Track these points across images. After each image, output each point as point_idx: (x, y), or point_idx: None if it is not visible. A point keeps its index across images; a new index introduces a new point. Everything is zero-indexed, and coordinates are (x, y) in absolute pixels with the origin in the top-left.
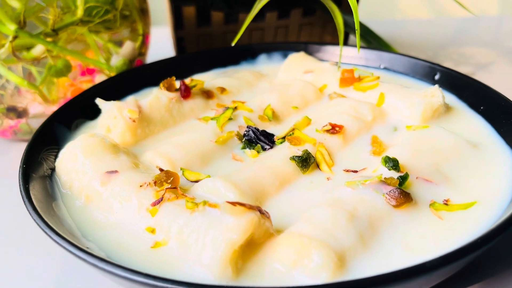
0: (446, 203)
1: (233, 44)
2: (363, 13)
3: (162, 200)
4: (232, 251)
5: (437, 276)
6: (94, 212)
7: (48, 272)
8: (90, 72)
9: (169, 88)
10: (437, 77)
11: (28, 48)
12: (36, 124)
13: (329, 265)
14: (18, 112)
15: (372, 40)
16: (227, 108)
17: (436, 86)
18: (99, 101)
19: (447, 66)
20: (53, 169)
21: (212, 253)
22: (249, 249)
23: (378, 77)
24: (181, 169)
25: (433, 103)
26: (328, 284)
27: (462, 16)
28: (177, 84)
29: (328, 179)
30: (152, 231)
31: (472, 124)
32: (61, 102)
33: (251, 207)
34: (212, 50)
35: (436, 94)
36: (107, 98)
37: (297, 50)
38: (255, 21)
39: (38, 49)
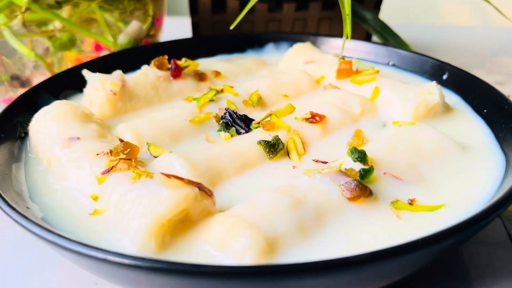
0: (411, 203)
1: (231, 27)
2: (400, 16)
3: (112, 169)
4: (158, 224)
5: (367, 276)
6: (51, 177)
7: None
8: (98, 49)
9: (160, 67)
10: (445, 76)
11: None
12: None
13: (254, 249)
14: (21, 81)
15: (389, 37)
16: (212, 89)
17: (434, 83)
18: (85, 72)
19: (478, 73)
20: (27, 133)
21: (138, 224)
22: (184, 225)
23: (377, 71)
24: (147, 144)
25: (428, 100)
26: (225, 266)
27: (507, 25)
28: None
29: (294, 167)
30: (95, 198)
31: (471, 127)
32: None
33: (189, 182)
34: (219, 35)
35: (433, 92)
36: (102, 72)
37: (305, 41)
38: (272, 12)
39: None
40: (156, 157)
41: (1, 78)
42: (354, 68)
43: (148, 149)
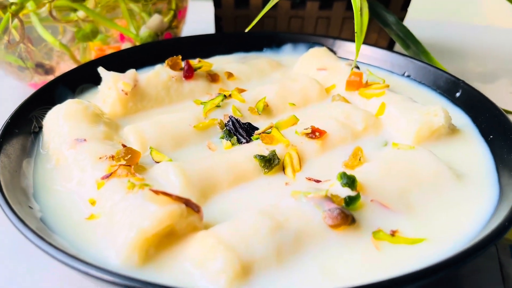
0: (392, 234)
1: (246, 30)
2: (437, 14)
3: (111, 175)
4: (141, 238)
5: None
6: (57, 176)
7: None
8: (122, 39)
9: (173, 67)
10: (458, 94)
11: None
12: None
13: (228, 272)
14: (45, 69)
15: (411, 44)
16: (219, 94)
17: (440, 106)
18: (101, 70)
19: (503, 82)
20: (41, 127)
21: (123, 237)
22: (169, 239)
23: (387, 86)
24: (150, 148)
25: (432, 122)
26: None
27: None
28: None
29: (286, 184)
30: (93, 203)
31: (473, 153)
32: None
33: (177, 199)
34: (236, 33)
35: (439, 114)
36: (120, 67)
37: (323, 44)
38: (295, 9)
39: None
40: (157, 162)
41: (27, 65)
42: (364, 80)
43: (150, 153)
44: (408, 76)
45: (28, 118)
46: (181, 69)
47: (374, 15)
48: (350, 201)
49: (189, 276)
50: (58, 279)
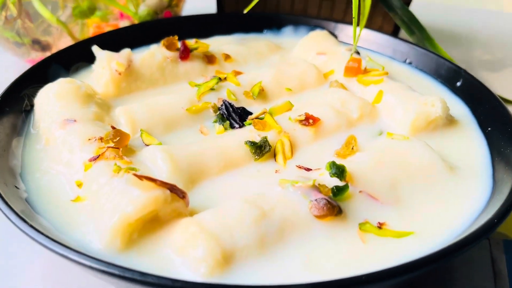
0: (380, 226)
1: (245, 11)
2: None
3: (98, 157)
4: (124, 223)
5: None
6: (45, 156)
7: None
8: (122, 16)
9: (169, 47)
10: (459, 83)
11: None
12: None
13: (209, 260)
14: (42, 46)
15: (415, 30)
16: (214, 77)
17: (439, 96)
18: (95, 49)
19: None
20: (33, 106)
21: (105, 222)
22: (153, 224)
23: (386, 73)
24: (140, 130)
25: (429, 113)
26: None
27: None
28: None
29: (276, 171)
30: (80, 185)
31: (469, 145)
32: None
33: (162, 184)
34: (236, 14)
35: (436, 105)
36: (116, 46)
37: (325, 27)
38: None
39: None
40: (147, 145)
41: (23, 41)
42: (363, 66)
43: (140, 136)
44: (410, 63)
45: (20, 96)
46: (177, 49)
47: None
48: (338, 191)
49: (170, 263)
50: (45, 263)
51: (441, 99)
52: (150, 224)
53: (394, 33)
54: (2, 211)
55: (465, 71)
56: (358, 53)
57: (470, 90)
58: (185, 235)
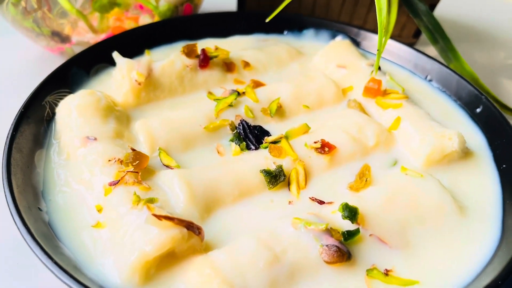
0: (386, 273)
1: (267, 20)
2: None
3: (118, 182)
4: (143, 261)
5: None
6: (67, 172)
7: None
8: (141, 8)
9: (189, 54)
10: (478, 110)
11: None
12: (78, 50)
13: None
14: (61, 37)
15: (439, 39)
16: (234, 91)
17: (457, 131)
18: (115, 55)
19: None
20: (54, 114)
21: (126, 256)
22: (169, 259)
23: (406, 97)
24: (159, 149)
25: (445, 146)
26: None
27: None
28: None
29: (290, 202)
30: (100, 210)
31: (482, 182)
32: (107, 34)
33: (179, 222)
34: (258, 13)
35: (453, 139)
36: (135, 45)
37: (347, 33)
38: None
39: None
40: (165, 165)
41: (43, 32)
42: (383, 87)
43: (159, 155)
44: (430, 80)
45: (41, 104)
46: (197, 56)
47: (404, 2)
48: (349, 236)
49: None
50: None
51: (458, 133)
52: (167, 259)
53: (417, 34)
54: (28, 245)
55: (486, 97)
56: (379, 68)
57: (489, 119)
58: (199, 276)
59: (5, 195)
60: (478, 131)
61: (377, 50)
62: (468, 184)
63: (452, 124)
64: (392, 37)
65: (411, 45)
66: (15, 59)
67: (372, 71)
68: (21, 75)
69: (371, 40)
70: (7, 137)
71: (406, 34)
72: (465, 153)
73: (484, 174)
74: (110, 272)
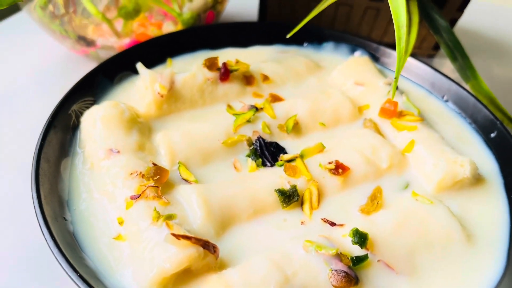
0: None
1: (288, 36)
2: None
3: (139, 196)
4: (161, 277)
5: None
6: (91, 182)
7: None
8: (165, 13)
9: (210, 67)
10: (493, 135)
11: None
12: (103, 54)
13: None
14: (87, 41)
15: (459, 57)
16: (252, 107)
17: (470, 158)
18: (139, 66)
19: None
20: (80, 123)
21: (145, 272)
22: (185, 275)
23: (421, 119)
24: (179, 163)
25: (457, 173)
26: None
27: None
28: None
29: (302, 223)
30: (121, 222)
31: (491, 211)
32: (130, 38)
33: (196, 242)
34: (278, 23)
35: (465, 166)
36: (158, 54)
37: (366, 48)
38: None
39: None
40: (183, 179)
41: (69, 35)
42: (400, 107)
43: (178, 168)
44: (447, 101)
45: (68, 113)
46: (218, 69)
47: (424, 17)
48: (358, 262)
49: None
50: None
51: (471, 161)
52: (183, 275)
53: (436, 47)
54: (55, 257)
55: (501, 123)
56: (396, 87)
57: (503, 145)
58: None
59: (34, 206)
60: (491, 157)
61: (395, 77)
62: (477, 211)
63: (465, 148)
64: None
65: (430, 56)
66: (41, 57)
67: (389, 91)
68: (46, 74)
69: (389, 57)
70: (36, 147)
71: (426, 46)
72: (477, 179)
73: (493, 202)
74: (129, 285)
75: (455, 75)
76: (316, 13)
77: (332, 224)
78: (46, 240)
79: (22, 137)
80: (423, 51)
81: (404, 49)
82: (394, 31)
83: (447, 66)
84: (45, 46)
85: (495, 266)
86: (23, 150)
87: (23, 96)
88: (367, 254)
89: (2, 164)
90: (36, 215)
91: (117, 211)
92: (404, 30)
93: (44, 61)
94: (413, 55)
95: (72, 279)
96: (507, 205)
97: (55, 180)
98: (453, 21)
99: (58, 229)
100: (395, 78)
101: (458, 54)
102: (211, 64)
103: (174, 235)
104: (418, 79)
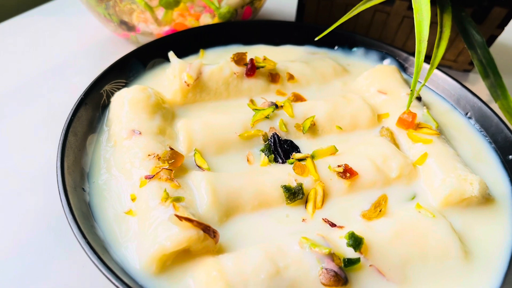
0: None
1: (316, 39)
2: None
3: (153, 177)
4: (161, 254)
5: None
6: (112, 158)
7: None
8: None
9: (238, 62)
10: (511, 156)
11: None
12: (142, 39)
13: None
14: (128, 26)
15: (491, 74)
16: (273, 104)
17: (479, 178)
18: (171, 55)
19: None
20: (110, 102)
21: (147, 247)
22: (185, 255)
23: (438, 134)
24: (195, 150)
25: (465, 191)
26: None
27: None
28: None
29: (303, 220)
30: (134, 199)
31: (495, 232)
32: (170, 27)
33: (197, 225)
34: (311, 26)
35: (474, 184)
36: (195, 44)
37: (396, 57)
38: (383, 3)
39: None
40: (198, 166)
41: (113, 19)
42: (418, 119)
43: (194, 155)
44: (470, 118)
45: (100, 92)
46: (245, 64)
47: (461, 31)
48: (349, 263)
49: None
50: None
51: (480, 180)
52: (183, 255)
53: (472, 63)
54: (68, 222)
55: None
56: (420, 99)
57: None
58: (207, 276)
59: (56, 174)
60: (506, 178)
61: (411, 89)
62: (481, 231)
63: (481, 167)
64: (446, 63)
65: (466, 71)
66: (86, 38)
67: (410, 102)
68: (88, 54)
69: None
70: (66, 121)
71: (462, 60)
72: (486, 199)
73: (500, 224)
74: (132, 257)
75: (487, 92)
76: (347, 18)
77: (332, 225)
78: (62, 206)
79: (57, 110)
80: (459, 65)
81: (422, 62)
82: (429, 43)
83: (481, 82)
84: (91, 28)
85: (490, 287)
86: (57, 123)
87: (64, 72)
88: (359, 258)
89: (37, 135)
90: (58, 183)
91: (131, 188)
92: (425, 44)
93: (88, 42)
94: (447, 68)
95: (80, 244)
96: None
97: (80, 153)
98: (492, 38)
99: (75, 198)
100: (411, 90)
101: (490, 71)
102: (239, 59)
103: (177, 216)
104: (444, 93)
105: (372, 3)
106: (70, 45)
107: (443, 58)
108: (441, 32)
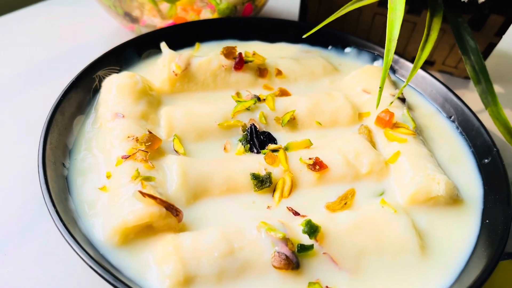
0: None
1: (304, 37)
2: None
3: (129, 157)
4: (123, 227)
5: None
6: (95, 139)
7: None
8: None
9: (227, 55)
10: (486, 161)
11: None
12: (145, 31)
13: (172, 279)
14: (132, 18)
15: (482, 80)
16: (255, 96)
17: (447, 179)
18: (163, 45)
19: None
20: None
21: (112, 220)
22: (147, 231)
23: (414, 134)
24: (174, 135)
25: (431, 190)
26: None
27: None
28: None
29: (268, 207)
30: (109, 176)
31: (458, 233)
32: (173, 20)
33: (160, 202)
34: (304, 24)
35: (441, 184)
36: (192, 38)
37: None
38: (381, 6)
39: None
40: (175, 150)
41: (117, 11)
42: (396, 119)
43: (173, 140)
44: (453, 121)
45: (92, 77)
46: (234, 58)
47: (456, 37)
48: (302, 249)
49: (148, 268)
50: None
51: (447, 181)
52: (146, 230)
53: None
54: (42, 191)
55: (497, 151)
56: (403, 100)
57: (493, 173)
58: (163, 251)
59: (38, 148)
60: (479, 182)
61: (379, 87)
62: (444, 231)
63: (456, 169)
64: (447, 70)
65: (467, 78)
66: (94, 29)
67: (392, 102)
68: (94, 44)
69: (407, 70)
70: (55, 101)
71: (463, 67)
72: (454, 200)
73: (465, 226)
74: (97, 229)
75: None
76: (334, 18)
77: (296, 213)
78: (39, 176)
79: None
80: (460, 72)
81: (390, 60)
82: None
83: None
84: (98, 17)
85: (442, 285)
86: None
87: (69, 61)
88: (313, 245)
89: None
90: (38, 156)
91: (108, 166)
92: (394, 43)
93: (95, 32)
94: (449, 74)
95: (49, 212)
96: (478, 231)
97: (65, 132)
98: (491, 46)
99: (53, 171)
100: (379, 88)
101: (482, 77)
102: (228, 53)
103: (141, 192)
104: (431, 95)
105: (362, 3)
106: (79, 36)
107: (443, 64)
108: (427, 35)
